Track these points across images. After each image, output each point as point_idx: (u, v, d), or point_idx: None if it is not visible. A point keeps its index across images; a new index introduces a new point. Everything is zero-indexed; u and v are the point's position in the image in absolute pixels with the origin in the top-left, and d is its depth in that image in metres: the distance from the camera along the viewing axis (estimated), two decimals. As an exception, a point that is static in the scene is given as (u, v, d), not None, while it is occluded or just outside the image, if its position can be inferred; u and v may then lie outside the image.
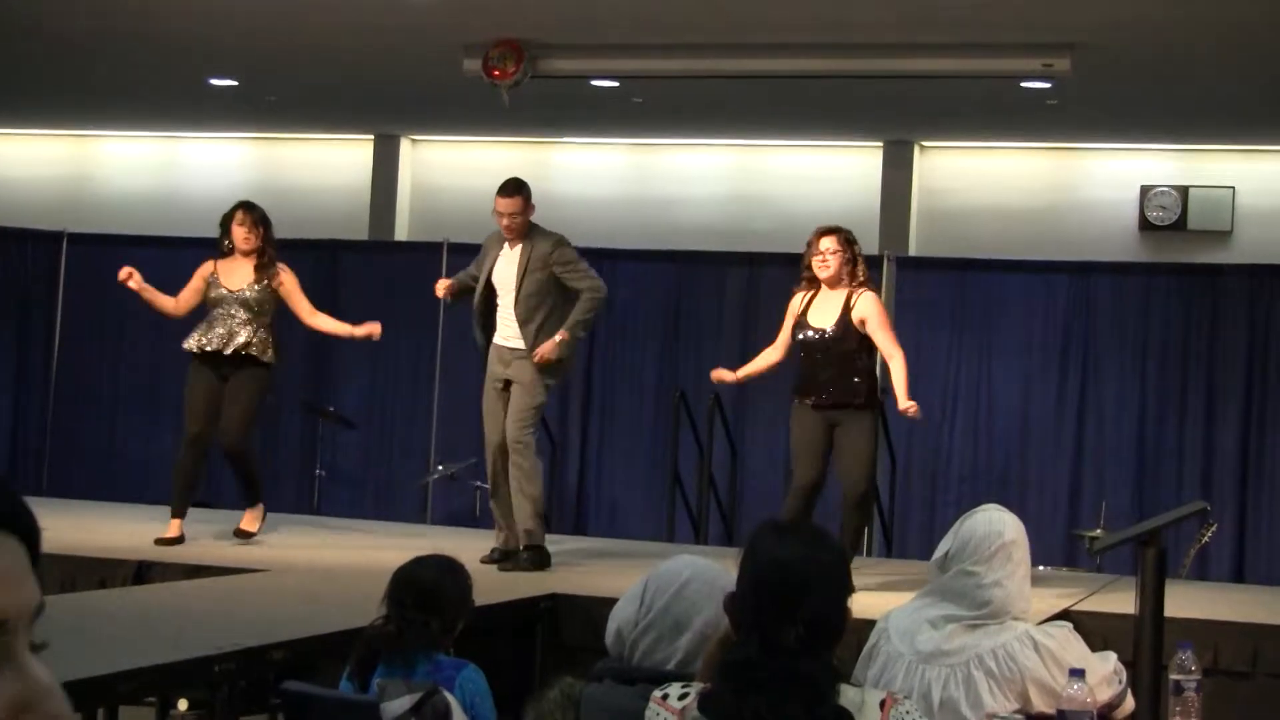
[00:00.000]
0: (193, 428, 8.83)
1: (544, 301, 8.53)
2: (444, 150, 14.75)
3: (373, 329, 9.04)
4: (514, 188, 8.60)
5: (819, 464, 8.16)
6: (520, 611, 7.20)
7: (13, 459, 14.33)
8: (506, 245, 8.66)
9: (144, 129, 15.07)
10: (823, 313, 8.22)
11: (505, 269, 8.61)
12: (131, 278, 8.83)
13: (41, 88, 13.24)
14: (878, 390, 8.35)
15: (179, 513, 8.81)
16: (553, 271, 8.53)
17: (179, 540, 8.66)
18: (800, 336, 8.25)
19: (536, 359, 8.45)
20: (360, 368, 13.62)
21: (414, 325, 13.41)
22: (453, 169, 14.63)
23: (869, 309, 8.18)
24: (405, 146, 14.67)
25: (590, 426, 13.30)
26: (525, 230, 8.60)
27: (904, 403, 8.12)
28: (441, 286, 8.89)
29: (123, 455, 14.00)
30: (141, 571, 7.73)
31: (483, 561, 8.34)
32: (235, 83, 12.58)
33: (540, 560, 8.49)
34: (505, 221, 8.57)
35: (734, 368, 8.84)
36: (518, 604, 7.22)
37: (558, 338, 8.45)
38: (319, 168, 14.79)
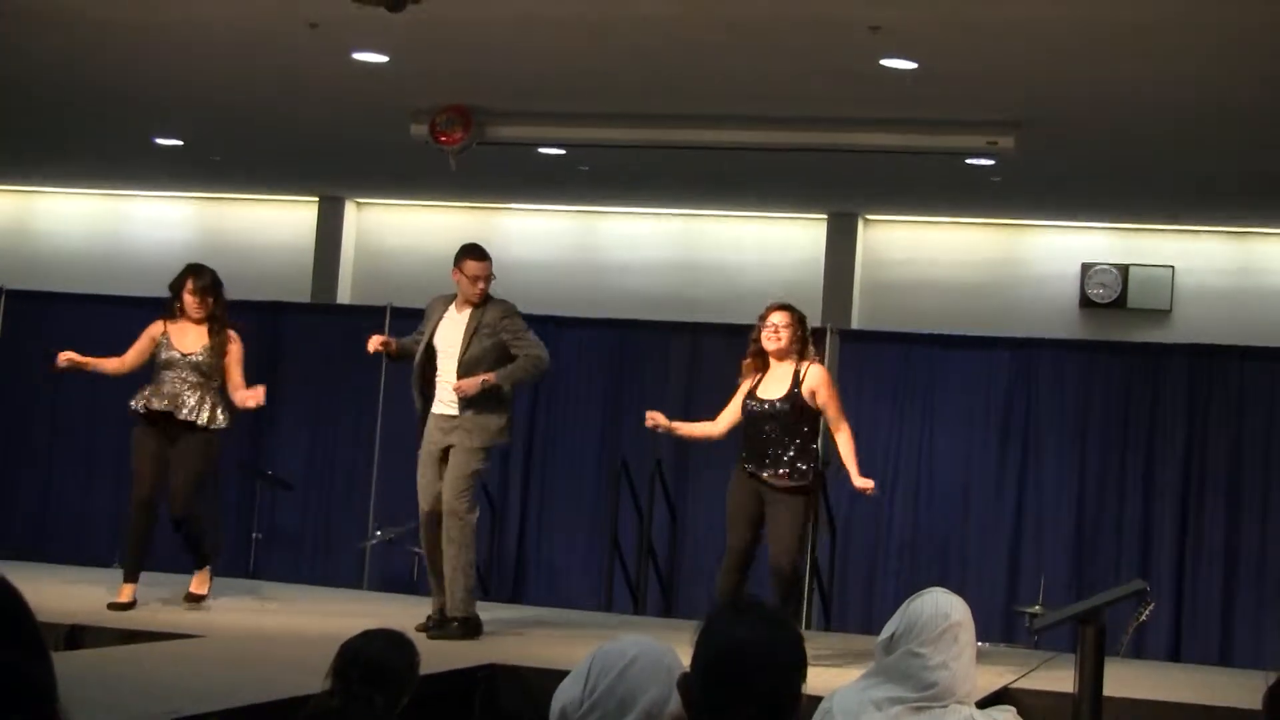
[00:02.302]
0: (140, 491, 8.72)
1: (487, 369, 8.44)
2: (389, 214, 14.74)
3: (257, 395, 8.87)
4: (485, 251, 8.61)
5: (749, 531, 8.22)
6: (457, 682, 7.14)
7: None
8: (453, 309, 8.59)
9: (87, 185, 14.99)
10: (771, 387, 8.28)
11: (450, 331, 8.53)
12: (69, 360, 8.70)
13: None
14: (816, 474, 8.35)
15: (132, 577, 8.72)
16: (500, 339, 8.49)
17: (131, 605, 8.57)
18: (749, 407, 8.28)
19: (455, 389, 8.35)
20: (300, 430, 13.54)
21: (355, 388, 13.35)
22: (397, 232, 14.62)
23: (819, 381, 8.27)
24: (350, 209, 14.64)
25: (530, 492, 13.25)
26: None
27: (858, 480, 8.24)
28: (375, 341, 8.68)
29: (56, 514, 13.85)
30: (74, 635, 7.61)
31: (417, 629, 8.21)
32: (180, 143, 12.54)
33: (471, 630, 8.40)
34: (480, 286, 8.50)
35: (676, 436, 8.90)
36: (455, 674, 7.15)
37: (482, 378, 8.33)
38: (263, 228, 14.74)
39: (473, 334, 8.46)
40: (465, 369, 8.42)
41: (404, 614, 8.31)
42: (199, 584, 9.03)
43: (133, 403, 8.78)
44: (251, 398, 8.79)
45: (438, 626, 8.37)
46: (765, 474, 8.17)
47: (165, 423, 8.69)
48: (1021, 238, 13.58)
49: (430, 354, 8.57)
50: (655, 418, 8.51)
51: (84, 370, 8.82)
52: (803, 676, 2.94)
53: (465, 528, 8.42)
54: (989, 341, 12.75)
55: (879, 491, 8.63)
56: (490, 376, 8.35)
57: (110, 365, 8.91)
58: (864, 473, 8.34)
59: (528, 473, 13.27)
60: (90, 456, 13.97)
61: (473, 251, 8.61)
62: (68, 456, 14.02)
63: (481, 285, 8.52)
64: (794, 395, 8.22)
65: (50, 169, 14.43)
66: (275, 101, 11.05)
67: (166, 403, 8.67)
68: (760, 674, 2.86)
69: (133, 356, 8.88)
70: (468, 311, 8.53)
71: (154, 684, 6.23)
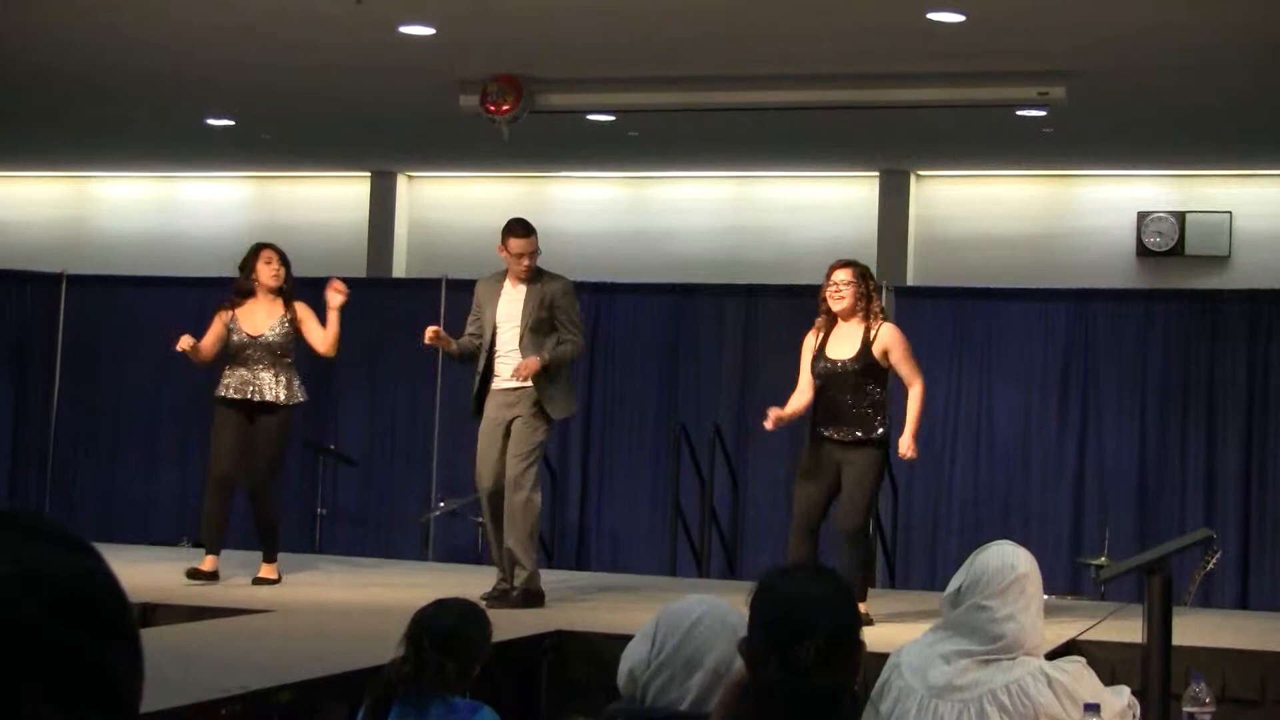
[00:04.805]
0: (218, 469, 9.01)
1: (548, 340, 8.50)
2: (441, 186, 14.76)
3: (335, 293, 9.22)
4: (529, 227, 8.58)
5: (818, 499, 8.12)
6: (524, 649, 7.18)
7: (12, 500, 14.30)
8: (507, 284, 8.59)
9: (142, 169, 15.09)
10: (841, 345, 8.15)
11: (509, 307, 8.53)
12: (191, 347, 8.96)
13: (40, 130, 13.27)
14: (888, 426, 8.26)
15: (213, 550, 9.00)
16: (553, 313, 8.52)
17: (213, 575, 8.86)
18: (819, 368, 8.18)
19: (515, 372, 8.37)
20: (360, 404, 13.61)
21: (413, 361, 13.40)
22: (450, 205, 14.64)
23: (892, 340, 8.15)
24: (402, 183, 14.68)
25: (590, 460, 13.28)
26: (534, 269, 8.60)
27: (907, 440, 8.17)
28: (430, 332, 8.68)
29: (123, 496, 13.97)
30: (145, 614, 7.69)
31: (482, 599, 8.22)
32: (232, 122, 12.60)
33: (531, 601, 8.39)
34: (525, 262, 8.49)
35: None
36: (522, 641, 7.20)
37: (539, 360, 8.35)
38: (316, 206, 14.80)
39: (535, 308, 8.48)
40: (529, 340, 8.44)
41: (469, 585, 8.35)
42: (269, 571, 9.18)
43: (216, 392, 9.06)
44: (334, 293, 9.18)
45: (499, 598, 8.36)
46: (837, 434, 8.10)
47: (245, 406, 8.96)
48: (1075, 189, 13.49)
49: (490, 333, 8.59)
50: (774, 415, 8.35)
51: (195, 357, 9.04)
52: (859, 625, 2.97)
53: (528, 502, 8.41)
54: (1046, 294, 12.68)
55: (918, 458, 8.55)
56: (546, 356, 8.38)
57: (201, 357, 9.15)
58: (923, 430, 8.27)
59: (587, 440, 13.30)
60: (154, 440, 14.09)
61: (515, 228, 8.57)
62: (132, 440, 14.13)
63: (526, 262, 8.51)
64: (864, 354, 8.10)
65: (105, 154, 14.52)
66: (324, 78, 11.07)
67: (245, 389, 8.95)
68: (817, 625, 2.89)
69: (209, 342, 9.09)
70: (524, 287, 8.54)
71: (225, 659, 6.30)
